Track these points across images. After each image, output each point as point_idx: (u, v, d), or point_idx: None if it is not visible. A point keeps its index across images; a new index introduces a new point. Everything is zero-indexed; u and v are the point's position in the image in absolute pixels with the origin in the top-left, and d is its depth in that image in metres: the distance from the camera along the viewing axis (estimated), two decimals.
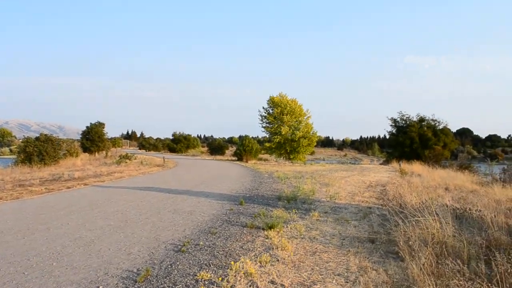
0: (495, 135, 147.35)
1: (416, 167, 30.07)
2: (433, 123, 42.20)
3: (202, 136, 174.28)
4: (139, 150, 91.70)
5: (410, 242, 6.21)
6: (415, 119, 42.81)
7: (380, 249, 6.44)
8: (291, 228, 7.65)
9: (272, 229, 7.31)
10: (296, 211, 9.64)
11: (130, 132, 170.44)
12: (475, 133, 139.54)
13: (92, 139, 59.00)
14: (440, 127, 41.86)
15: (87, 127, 60.95)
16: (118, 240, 6.57)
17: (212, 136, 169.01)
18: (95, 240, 6.52)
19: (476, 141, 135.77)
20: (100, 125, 62.16)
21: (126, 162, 35.43)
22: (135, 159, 40.68)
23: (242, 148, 44.03)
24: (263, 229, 7.42)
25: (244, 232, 7.26)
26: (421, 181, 19.38)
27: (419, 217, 7.19)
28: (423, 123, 42.26)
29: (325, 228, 7.88)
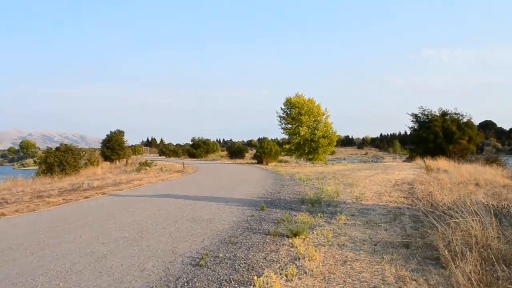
0: None
1: (442, 163, 29.08)
2: (456, 117, 41.02)
3: (222, 140, 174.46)
4: (159, 157, 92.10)
5: (451, 246, 5.61)
6: (437, 113, 41.67)
7: (417, 255, 5.85)
8: (317, 234, 7.10)
9: (297, 236, 6.79)
10: (322, 215, 9.08)
11: (150, 139, 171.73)
12: (498, 125, 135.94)
13: (113, 147, 59.19)
14: (464, 120, 40.68)
15: (107, 135, 61.17)
16: (132, 254, 6.13)
17: (231, 139, 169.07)
18: (107, 255, 6.09)
19: (500, 133, 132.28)
20: (120, 133, 62.38)
21: (146, 169, 35.37)
22: (155, 165, 40.63)
23: (262, 151, 43.56)
24: (288, 236, 6.90)
25: (267, 240, 6.74)
26: (449, 177, 18.60)
27: (456, 218, 6.58)
28: (446, 117, 41.10)
29: (354, 233, 7.32)
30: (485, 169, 22.90)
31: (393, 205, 10.90)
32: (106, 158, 56.44)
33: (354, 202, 11.18)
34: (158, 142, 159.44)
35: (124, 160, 53.70)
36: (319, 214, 9.06)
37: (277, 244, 6.45)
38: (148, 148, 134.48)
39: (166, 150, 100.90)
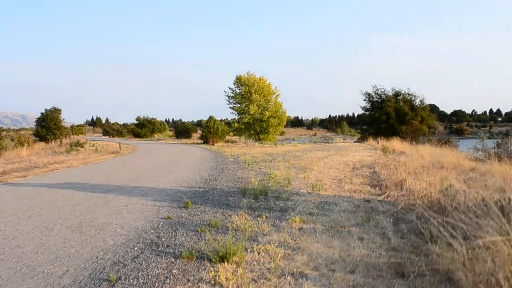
0: (460, 111, 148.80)
1: (395, 143, 27.48)
2: (409, 97, 39.80)
3: (171, 120, 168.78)
4: (103, 137, 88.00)
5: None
6: (390, 93, 40.28)
7: None
8: (259, 255, 4.48)
9: (227, 261, 4.16)
10: (268, 214, 6.51)
11: (95, 119, 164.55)
12: (441, 108, 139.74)
13: (48, 126, 54.63)
14: (417, 101, 39.54)
15: (42, 113, 56.37)
16: None
17: (180, 119, 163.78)
18: None
19: (442, 116, 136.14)
20: (56, 111, 57.62)
21: (78, 150, 32.05)
22: (93, 146, 37.34)
23: (207, 130, 40.78)
24: (211, 260, 4.23)
25: (174, 272, 3.99)
26: (410, 159, 16.65)
27: (465, 222, 4.17)
28: (399, 98, 39.80)
29: (315, 247, 4.78)
30: (443, 151, 21.28)
31: (359, 196, 8.52)
32: (42, 138, 51.98)
33: (310, 193, 8.71)
34: (104, 121, 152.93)
35: (59, 140, 49.31)
36: (264, 214, 6.48)
37: (189, 281, 3.76)
38: (92, 127, 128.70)
39: (110, 129, 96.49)
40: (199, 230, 5.54)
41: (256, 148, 29.48)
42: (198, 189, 9.30)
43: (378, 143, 30.06)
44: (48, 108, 56.10)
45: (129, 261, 4.30)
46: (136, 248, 4.80)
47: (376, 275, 3.89)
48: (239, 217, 6.28)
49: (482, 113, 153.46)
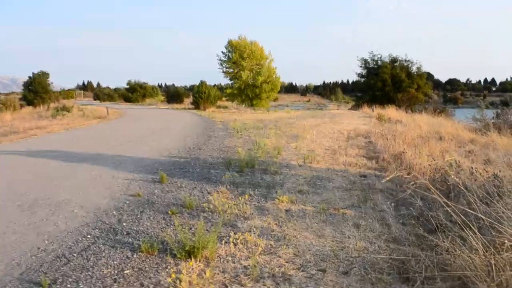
0: (455, 79, 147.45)
1: (391, 112, 26.74)
2: (406, 64, 38.72)
3: (163, 85, 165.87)
4: (94, 101, 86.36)
5: None
6: (387, 60, 39.14)
7: None
8: (235, 246, 3.72)
9: (194, 257, 3.40)
10: (252, 192, 5.74)
11: (86, 83, 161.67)
12: (436, 77, 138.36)
13: (35, 90, 53.40)
14: (414, 68, 38.49)
15: (29, 77, 54.96)
16: None
17: (173, 84, 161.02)
18: None
19: (437, 85, 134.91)
20: (44, 74, 56.21)
21: (64, 115, 31.10)
22: (81, 111, 36.35)
23: (198, 96, 39.69)
24: (175, 256, 3.47)
25: (126, 273, 3.20)
26: (407, 129, 15.92)
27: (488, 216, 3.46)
28: (395, 64, 38.71)
29: (303, 236, 4.04)
30: (440, 121, 20.58)
31: (355, 170, 7.80)
32: (29, 102, 50.82)
33: (301, 166, 7.95)
34: (96, 86, 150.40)
35: (46, 105, 48.13)
36: (248, 192, 5.71)
37: (143, 285, 3.01)
38: (83, 92, 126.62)
39: (101, 94, 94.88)
40: (170, 212, 4.76)
41: (248, 114, 28.59)
42: (179, 160, 8.48)
43: (373, 111, 29.30)
44: (36, 71, 54.65)
45: (75, 255, 3.51)
46: (89, 236, 4.00)
47: (375, 278, 3.16)
48: (219, 195, 5.51)
49: (476, 82, 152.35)
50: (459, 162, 7.94)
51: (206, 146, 10.60)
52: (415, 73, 38.21)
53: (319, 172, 7.41)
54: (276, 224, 4.40)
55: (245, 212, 4.77)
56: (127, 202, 5.25)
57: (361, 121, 21.66)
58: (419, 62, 38.91)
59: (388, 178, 5.00)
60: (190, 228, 4.09)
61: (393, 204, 5.24)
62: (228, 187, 6.06)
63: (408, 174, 7.44)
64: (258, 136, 12.83)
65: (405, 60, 38.77)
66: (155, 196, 5.53)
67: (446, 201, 3.72)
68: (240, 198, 5.35)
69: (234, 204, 5.05)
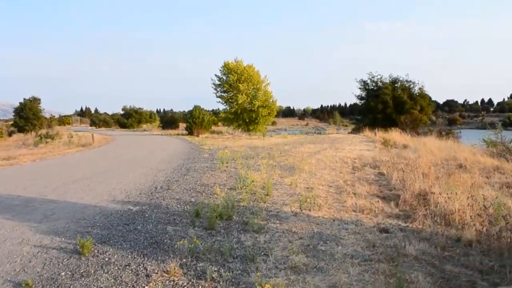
0: (452, 100, 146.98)
1: (395, 135, 24.78)
2: (407, 85, 36.84)
3: (162, 110, 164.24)
4: (89, 127, 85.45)
5: None
6: (387, 81, 37.31)
7: None
8: None
9: None
10: (217, 273, 3.62)
11: (84, 109, 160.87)
12: (433, 98, 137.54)
13: (26, 116, 51.76)
14: (416, 89, 36.62)
15: (20, 103, 53.40)
16: None
17: (172, 109, 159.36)
18: None
19: (435, 106, 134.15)
20: (35, 100, 54.72)
21: (47, 143, 29.34)
22: (71, 137, 34.60)
23: (192, 121, 37.90)
24: None
25: None
26: (419, 156, 13.92)
27: None
28: (396, 85, 36.87)
29: None
30: (450, 144, 18.60)
31: (370, 219, 5.69)
32: (20, 129, 49.27)
33: (296, 214, 5.83)
34: (94, 111, 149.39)
35: (35, 132, 46.44)
36: (210, 272, 3.58)
37: None
38: (79, 118, 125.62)
39: (97, 120, 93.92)
40: None
41: (241, 140, 26.58)
42: (132, 208, 6.29)
43: (375, 134, 27.33)
44: (27, 97, 53.11)
45: None
46: None
47: None
48: (162, 283, 3.39)
49: (474, 103, 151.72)
50: (504, 204, 5.88)
51: (178, 185, 8.44)
52: (417, 94, 36.33)
53: (321, 225, 5.29)
54: None
55: None
56: None
57: (364, 146, 19.62)
58: (421, 82, 36.98)
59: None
60: None
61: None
62: (183, 261, 3.93)
63: (447, 224, 5.37)
64: (247, 167, 10.75)
65: (407, 81, 36.91)
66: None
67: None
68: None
69: None
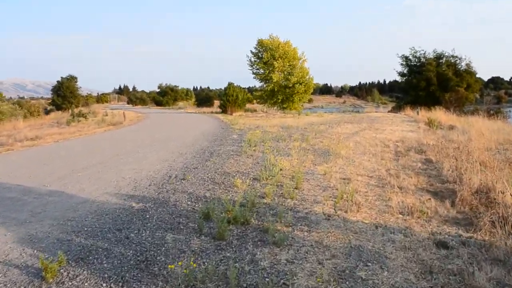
0: (498, 77, 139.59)
1: (440, 115, 22.91)
2: (453, 61, 34.37)
3: (199, 88, 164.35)
4: (127, 105, 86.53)
5: None
6: (431, 56, 34.94)
7: None
8: None
9: None
10: None
11: (122, 87, 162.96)
12: (477, 75, 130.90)
13: (64, 95, 52.41)
14: (462, 65, 34.10)
15: (57, 82, 54.03)
16: None
17: (208, 87, 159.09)
18: None
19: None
20: (72, 79, 55.30)
21: (79, 121, 29.24)
22: (106, 115, 34.48)
23: (226, 99, 36.89)
24: None
25: None
26: (468, 138, 12.47)
27: None
28: (441, 61, 34.48)
29: None
30: (502, 125, 16.85)
31: (422, 226, 4.53)
32: (58, 107, 49.98)
33: (329, 218, 4.74)
34: (131, 89, 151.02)
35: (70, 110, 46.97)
36: None
37: None
38: (117, 96, 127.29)
39: (133, 98, 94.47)
40: None
41: (275, 119, 25.40)
42: (134, 205, 5.31)
43: (418, 113, 25.57)
44: (64, 76, 53.72)
45: None
46: None
47: None
48: None
49: None
50: None
51: (195, 173, 7.45)
52: (464, 70, 33.86)
53: (361, 234, 4.19)
54: None
55: None
56: None
57: (407, 127, 18.12)
58: (468, 57, 34.40)
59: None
60: None
61: None
62: None
63: None
64: (275, 152, 9.69)
65: (452, 56, 34.41)
66: None
67: None
68: None
69: None
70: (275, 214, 4.76)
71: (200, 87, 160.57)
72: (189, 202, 5.45)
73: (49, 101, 63.57)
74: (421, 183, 6.75)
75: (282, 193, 5.76)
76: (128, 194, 5.98)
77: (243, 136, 14.07)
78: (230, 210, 4.67)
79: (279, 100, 37.34)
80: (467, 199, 5.56)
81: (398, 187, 6.27)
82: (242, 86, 39.07)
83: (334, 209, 4.99)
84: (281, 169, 7.44)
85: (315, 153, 9.75)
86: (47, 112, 47.20)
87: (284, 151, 9.96)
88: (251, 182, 6.51)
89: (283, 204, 5.26)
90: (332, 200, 5.41)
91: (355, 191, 5.86)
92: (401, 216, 4.89)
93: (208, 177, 7.10)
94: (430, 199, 5.69)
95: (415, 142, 12.31)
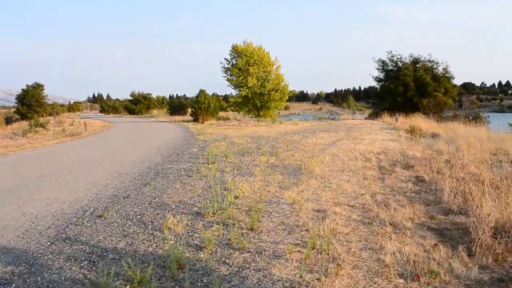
0: (469, 83, 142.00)
1: (419, 121, 21.64)
2: (430, 65, 33.44)
3: (174, 96, 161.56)
4: (99, 114, 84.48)
5: None
6: (408, 61, 33.93)
7: None
8: None
9: None
10: None
11: (96, 95, 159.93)
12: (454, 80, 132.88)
13: (29, 103, 49.93)
14: (439, 69, 33.20)
15: (22, 90, 51.58)
16: None
17: (184, 95, 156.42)
18: None
19: None
20: (38, 87, 52.96)
21: (36, 132, 27.23)
22: (71, 125, 32.85)
23: (197, 106, 35.11)
24: None
25: None
26: (456, 148, 11.07)
27: None
28: (418, 66, 33.51)
29: None
30: (485, 132, 15.54)
31: None
32: (23, 116, 47.63)
33: None
34: (106, 98, 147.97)
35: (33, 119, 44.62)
36: None
37: None
38: (89, 104, 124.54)
39: (106, 106, 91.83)
40: None
41: (247, 128, 23.71)
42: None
43: (397, 120, 24.29)
44: (30, 84, 51.39)
45: None
46: None
47: None
48: None
49: (491, 85, 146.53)
50: None
51: (123, 205, 5.56)
52: (441, 75, 32.95)
53: None
54: None
55: None
56: None
57: (387, 135, 16.66)
58: (446, 62, 33.52)
59: None
60: None
61: None
62: None
63: None
64: (236, 171, 7.95)
65: (429, 61, 33.55)
66: None
67: None
68: None
69: None
70: (208, 286, 3.01)
71: (177, 94, 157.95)
72: (77, 268, 3.55)
73: (10, 110, 60.86)
74: (418, 215, 5.10)
75: (229, 240, 4.03)
76: (5, 247, 4.10)
77: (205, 149, 12.31)
78: (138, 281, 2.91)
79: (254, 107, 35.93)
80: (488, 243, 3.93)
81: (389, 223, 4.61)
82: (219, 93, 37.63)
83: (301, 276, 3.26)
84: (236, 197, 5.72)
85: (284, 171, 8.07)
86: (8, 122, 44.61)
87: (247, 169, 8.24)
88: (190, 221, 4.75)
89: (227, 261, 3.53)
90: (299, 252, 3.71)
91: (333, 234, 4.17)
92: (402, 281, 3.21)
93: (135, 212, 5.27)
94: (437, 244, 4.05)
95: (399, 154, 10.78)
